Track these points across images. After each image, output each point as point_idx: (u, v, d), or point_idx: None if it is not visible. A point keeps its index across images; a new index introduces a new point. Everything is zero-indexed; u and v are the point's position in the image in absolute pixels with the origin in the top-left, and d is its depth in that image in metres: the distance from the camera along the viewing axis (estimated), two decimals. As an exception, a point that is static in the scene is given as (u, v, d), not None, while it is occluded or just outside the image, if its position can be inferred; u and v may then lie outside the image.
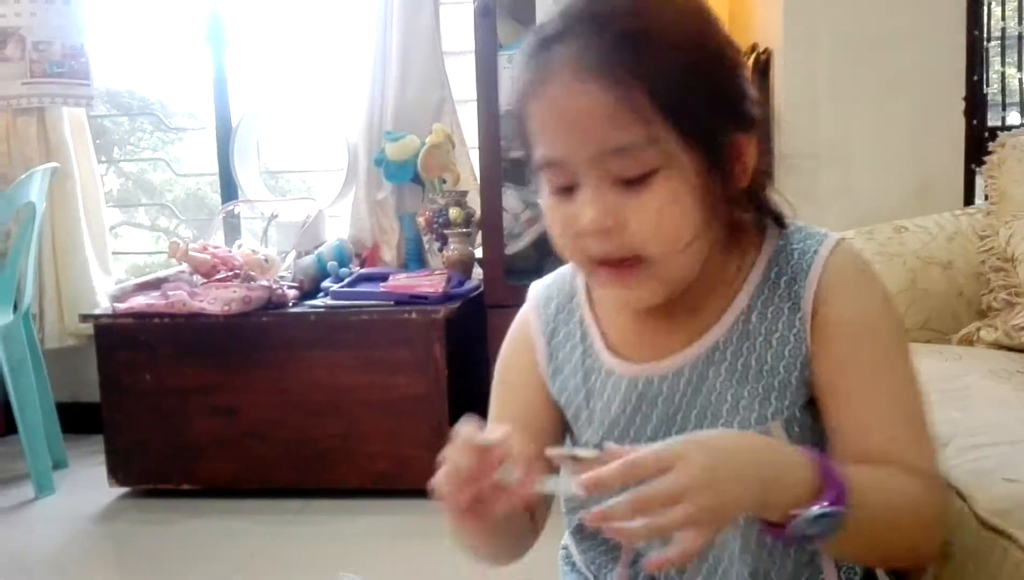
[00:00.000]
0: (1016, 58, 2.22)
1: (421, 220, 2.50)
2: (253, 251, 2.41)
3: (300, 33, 3.18)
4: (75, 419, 2.72)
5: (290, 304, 2.29)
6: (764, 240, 0.78)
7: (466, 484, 0.68)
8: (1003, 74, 2.29)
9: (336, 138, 2.76)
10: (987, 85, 2.14)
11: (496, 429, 0.68)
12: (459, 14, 2.63)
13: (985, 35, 2.13)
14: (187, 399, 2.25)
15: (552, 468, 0.70)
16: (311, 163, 3.49)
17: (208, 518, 2.16)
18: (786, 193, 0.82)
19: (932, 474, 0.72)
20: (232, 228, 2.88)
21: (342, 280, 2.36)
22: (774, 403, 0.74)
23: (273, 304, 2.27)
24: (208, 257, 2.39)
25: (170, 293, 2.27)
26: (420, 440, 2.17)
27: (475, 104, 2.28)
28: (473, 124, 2.32)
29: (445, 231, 2.45)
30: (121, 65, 3.60)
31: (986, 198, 1.62)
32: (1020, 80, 2.25)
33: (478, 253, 2.45)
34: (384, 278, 2.30)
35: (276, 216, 2.67)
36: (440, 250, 2.48)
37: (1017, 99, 2.28)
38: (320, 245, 2.55)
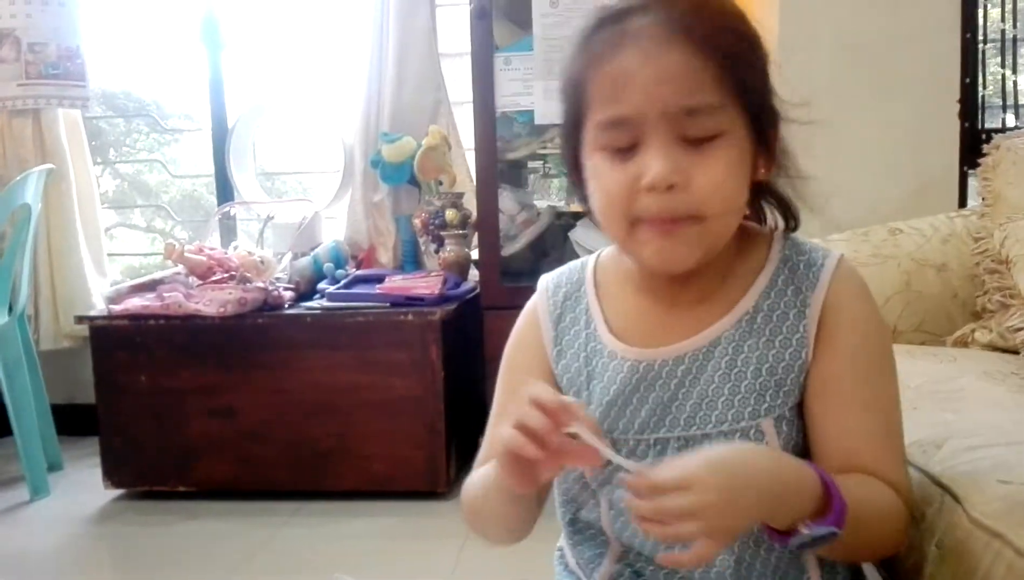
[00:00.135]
0: (1012, 60, 2.22)
1: (417, 222, 2.50)
2: (249, 253, 2.41)
3: (296, 34, 3.18)
4: (70, 421, 2.72)
5: (286, 306, 2.29)
6: (771, 248, 0.83)
7: (535, 440, 0.70)
8: (1003, 76, 2.30)
9: (332, 140, 2.76)
10: (984, 87, 2.15)
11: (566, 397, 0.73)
12: (455, 16, 2.63)
13: (982, 37, 2.13)
14: (183, 401, 2.25)
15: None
16: (307, 165, 3.49)
17: (204, 520, 2.16)
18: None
19: (905, 485, 0.78)
20: (228, 230, 2.88)
21: (338, 282, 2.36)
22: (768, 400, 0.78)
23: (269, 306, 2.27)
24: (204, 259, 2.38)
25: (166, 295, 2.27)
26: (416, 441, 2.17)
27: (471, 106, 2.28)
28: (469, 126, 2.33)
29: (441, 233, 2.45)
30: (117, 66, 3.60)
31: (983, 200, 1.62)
32: (1015, 82, 2.25)
33: (474, 255, 2.45)
34: (380, 280, 2.30)
35: (272, 218, 2.67)
36: (436, 252, 2.48)
37: (1018, 101, 2.29)
38: (316, 247, 2.54)
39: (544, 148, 2.36)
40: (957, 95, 2.06)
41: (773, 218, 0.86)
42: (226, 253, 2.44)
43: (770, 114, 0.78)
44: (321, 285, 2.38)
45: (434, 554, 1.89)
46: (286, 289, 2.34)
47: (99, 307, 2.65)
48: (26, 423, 2.34)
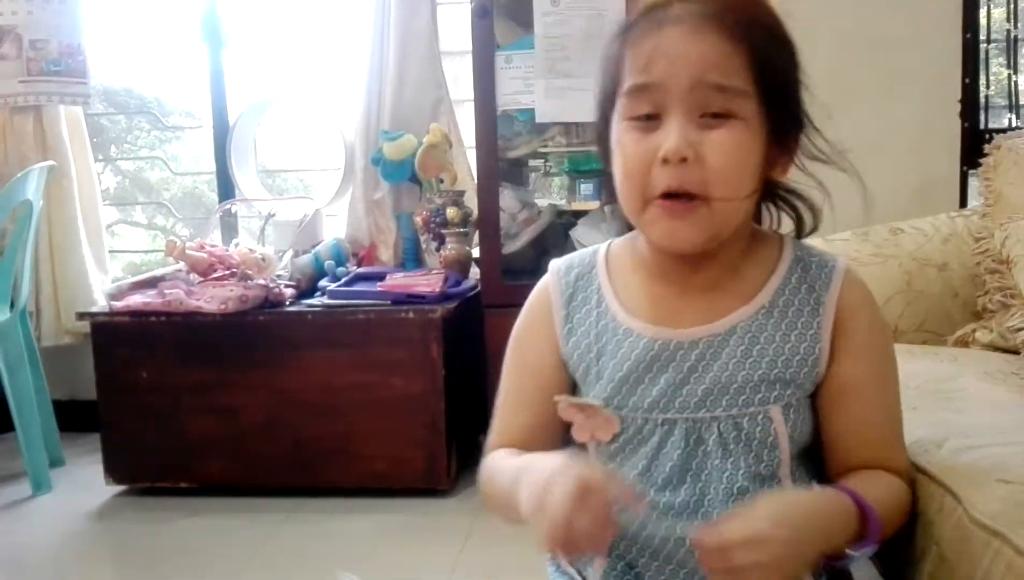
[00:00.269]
0: (1014, 60, 2.22)
1: (418, 219, 2.50)
2: (250, 250, 2.41)
3: (297, 32, 3.18)
4: (72, 417, 2.72)
5: (287, 303, 2.29)
6: (782, 248, 0.87)
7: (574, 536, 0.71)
8: (1010, 76, 2.30)
9: (333, 137, 2.76)
10: (988, 87, 2.15)
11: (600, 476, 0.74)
12: (456, 14, 2.63)
13: (985, 37, 2.13)
14: (183, 397, 2.25)
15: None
16: (308, 162, 3.49)
17: (204, 516, 2.16)
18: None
19: (907, 466, 0.88)
20: (229, 227, 2.88)
21: (339, 279, 2.36)
22: (778, 390, 0.83)
23: (270, 303, 2.27)
24: (205, 256, 2.39)
25: (167, 291, 2.27)
26: (417, 439, 2.17)
27: (472, 104, 2.29)
28: (470, 124, 2.33)
29: (442, 231, 2.45)
30: (118, 63, 3.60)
31: (984, 200, 1.62)
32: (1015, 82, 2.25)
33: (475, 253, 2.45)
34: (381, 277, 2.31)
35: (273, 215, 2.67)
36: (437, 250, 2.48)
37: (1019, 101, 2.29)
38: (317, 244, 2.55)
39: (545, 146, 2.37)
40: (958, 95, 2.07)
41: (779, 221, 0.90)
42: (227, 250, 2.44)
43: (793, 118, 0.83)
44: (322, 283, 2.38)
45: (435, 552, 1.89)
46: (287, 286, 2.34)
47: (100, 304, 2.65)
48: (28, 419, 2.34)
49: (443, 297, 2.22)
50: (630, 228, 0.91)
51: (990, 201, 1.58)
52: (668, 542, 0.83)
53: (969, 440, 0.92)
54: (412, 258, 2.60)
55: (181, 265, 2.43)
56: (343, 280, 2.35)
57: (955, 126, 2.08)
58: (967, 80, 2.08)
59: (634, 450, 0.85)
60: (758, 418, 0.82)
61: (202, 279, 2.36)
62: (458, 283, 2.33)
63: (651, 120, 0.79)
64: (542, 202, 2.55)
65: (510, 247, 2.37)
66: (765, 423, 0.82)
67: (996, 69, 2.37)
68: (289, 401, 2.22)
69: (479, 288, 2.33)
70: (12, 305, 2.43)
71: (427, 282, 2.25)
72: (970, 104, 2.09)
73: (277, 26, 3.20)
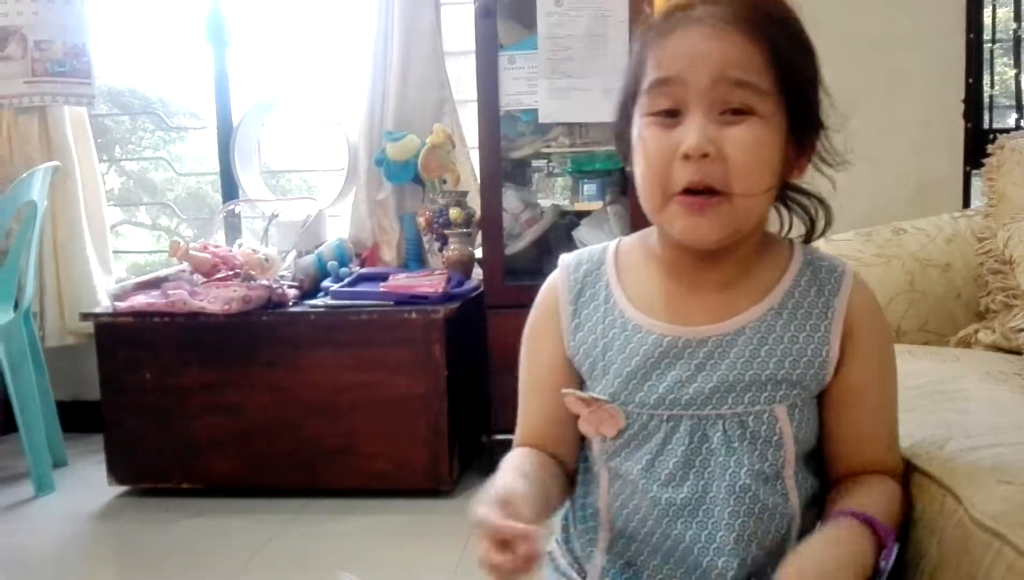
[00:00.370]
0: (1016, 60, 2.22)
1: (421, 220, 2.51)
2: (253, 250, 2.41)
3: (301, 32, 3.19)
4: (75, 418, 2.73)
5: (290, 304, 2.29)
6: (793, 252, 0.88)
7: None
8: (1017, 76, 2.29)
9: (337, 138, 2.76)
10: (992, 87, 2.14)
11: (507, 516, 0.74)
12: (460, 14, 2.64)
13: (991, 37, 2.12)
14: (187, 398, 2.26)
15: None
16: (312, 163, 3.50)
17: (207, 517, 2.17)
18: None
19: (900, 465, 0.90)
20: (233, 227, 2.89)
21: (342, 280, 2.36)
22: (784, 389, 0.83)
23: (273, 303, 2.27)
24: (208, 256, 2.39)
25: (170, 292, 2.27)
26: (419, 440, 2.17)
27: (476, 104, 2.29)
28: (473, 124, 2.33)
29: (445, 231, 2.45)
30: (122, 64, 3.62)
31: (987, 201, 1.61)
32: (1016, 82, 2.25)
33: (478, 253, 2.45)
34: (384, 278, 2.31)
35: (276, 215, 2.67)
36: (440, 250, 2.49)
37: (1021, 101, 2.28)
38: (320, 245, 2.55)
39: (548, 147, 2.37)
40: (961, 95, 2.06)
41: (791, 224, 0.91)
42: (231, 251, 2.45)
43: (812, 119, 0.84)
44: (325, 283, 2.38)
45: (437, 552, 1.89)
46: (290, 287, 2.35)
47: (104, 304, 2.65)
48: (31, 420, 2.35)
49: (446, 298, 2.22)
50: (633, 229, 0.91)
51: (993, 201, 1.58)
52: (668, 539, 0.84)
53: (971, 441, 0.91)
54: (415, 259, 2.60)
55: (185, 266, 2.44)
56: (346, 281, 2.35)
57: (958, 126, 2.07)
58: (970, 80, 2.07)
59: (638, 446, 0.85)
60: (763, 416, 0.82)
61: (206, 280, 2.36)
62: (461, 284, 2.33)
63: (672, 117, 0.80)
64: (545, 202, 2.55)
65: (513, 248, 2.37)
66: (770, 422, 0.82)
67: (1001, 69, 2.36)
68: (292, 402, 2.22)
69: (482, 289, 2.33)
70: (16, 305, 2.43)
71: (430, 283, 2.25)
72: (973, 104, 2.08)
73: (281, 27, 3.21)
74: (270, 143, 3.13)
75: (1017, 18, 2.22)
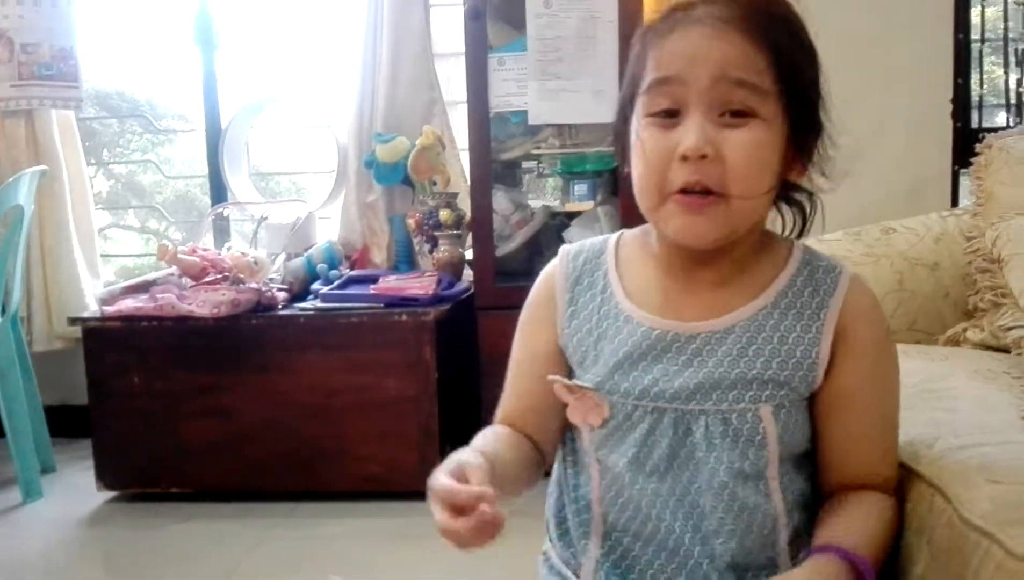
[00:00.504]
0: (1014, 60, 2.23)
1: (411, 222, 2.50)
2: (242, 253, 2.41)
3: (290, 34, 3.18)
4: (63, 422, 2.71)
5: (279, 306, 2.29)
6: (792, 251, 0.88)
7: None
8: (1006, 75, 2.30)
9: (326, 140, 2.76)
10: (981, 87, 2.15)
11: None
12: (449, 16, 2.63)
13: (980, 37, 2.13)
14: (176, 402, 2.25)
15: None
16: (301, 165, 3.49)
17: (197, 521, 2.16)
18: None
19: (896, 477, 0.88)
20: (222, 230, 2.87)
21: (332, 282, 2.36)
22: (770, 389, 0.82)
23: (262, 307, 2.26)
24: (197, 259, 2.38)
25: (159, 296, 2.26)
26: (410, 442, 2.16)
27: (465, 106, 2.28)
28: (463, 126, 2.33)
29: (435, 233, 2.45)
30: (110, 67, 3.60)
31: (975, 200, 1.62)
32: (1006, 82, 2.26)
33: (468, 255, 2.45)
34: (374, 280, 2.30)
35: (266, 218, 2.67)
36: (430, 252, 2.48)
37: (1013, 101, 2.29)
38: (310, 247, 2.54)
39: (538, 148, 2.37)
40: (950, 94, 2.07)
41: (793, 223, 0.91)
42: (219, 254, 2.44)
43: (812, 121, 0.83)
44: (315, 286, 2.37)
45: (428, 555, 1.89)
46: (280, 290, 2.34)
47: (92, 308, 2.63)
48: (19, 425, 2.33)
49: (436, 299, 2.22)
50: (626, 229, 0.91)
51: (981, 200, 1.58)
52: (658, 531, 0.84)
53: (959, 439, 0.91)
54: (405, 260, 2.59)
55: (173, 269, 2.43)
56: (336, 283, 2.34)
57: (947, 125, 2.08)
58: (959, 80, 2.08)
59: (623, 436, 0.85)
60: (747, 415, 0.82)
61: (194, 283, 2.35)
62: (451, 285, 2.33)
63: (671, 117, 0.80)
64: (535, 204, 2.55)
65: (503, 249, 2.37)
66: (754, 421, 0.82)
67: (990, 68, 2.37)
68: (282, 405, 2.21)
69: (472, 290, 2.33)
70: (3, 310, 2.42)
71: (420, 284, 2.24)
72: (962, 103, 2.09)
73: (270, 28, 3.20)
74: (259, 145, 3.12)
75: (1006, 17, 2.22)
